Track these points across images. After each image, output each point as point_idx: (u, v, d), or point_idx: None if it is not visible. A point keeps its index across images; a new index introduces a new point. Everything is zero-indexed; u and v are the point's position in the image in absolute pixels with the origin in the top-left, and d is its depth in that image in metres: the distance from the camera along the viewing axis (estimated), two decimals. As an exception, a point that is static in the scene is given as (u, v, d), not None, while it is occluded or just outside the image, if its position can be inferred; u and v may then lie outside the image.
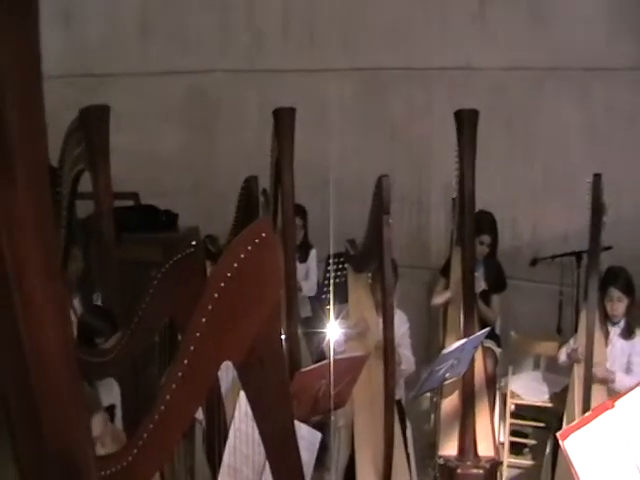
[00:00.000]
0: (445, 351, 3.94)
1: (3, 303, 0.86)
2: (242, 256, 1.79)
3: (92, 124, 4.05)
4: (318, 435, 2.74)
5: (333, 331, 3.97)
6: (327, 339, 4.10)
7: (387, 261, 3.76)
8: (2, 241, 0.82)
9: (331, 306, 4.27)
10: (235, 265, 1.79)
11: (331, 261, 4.67)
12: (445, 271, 5.36)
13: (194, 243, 2.68)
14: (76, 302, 4.44)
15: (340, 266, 4.71)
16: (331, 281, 4.60)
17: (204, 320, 1.80)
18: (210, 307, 1.79)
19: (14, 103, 0.82)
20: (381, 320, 3.98)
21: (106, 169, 4.11)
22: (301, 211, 5.29)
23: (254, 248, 1.80)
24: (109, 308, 4.08)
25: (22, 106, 0.83)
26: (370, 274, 4.53)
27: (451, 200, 5.44)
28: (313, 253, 5.63)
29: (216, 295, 1.79)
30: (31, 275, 0.86)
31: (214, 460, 2.83)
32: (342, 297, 4.55)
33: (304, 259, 5.55)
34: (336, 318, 4.16)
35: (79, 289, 4.62)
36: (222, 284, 1.79)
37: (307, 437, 2.62)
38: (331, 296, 4.47)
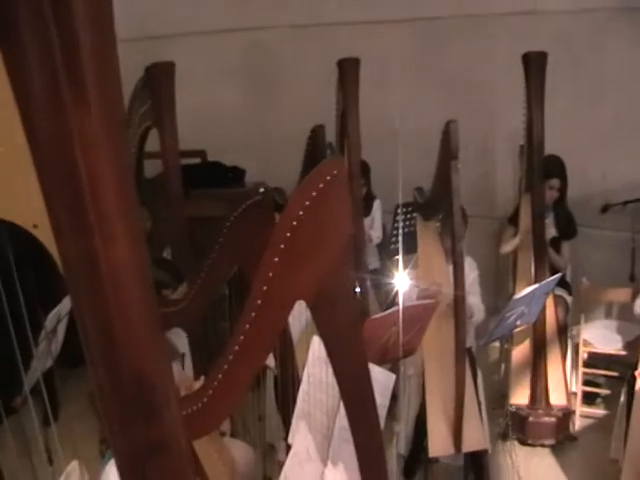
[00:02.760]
0: (516, 297, 3.89)
1: (79, 220, 0.86)
2: (313, 194, 1.76)
3: (158, 81, 4.06)
4: (392, 377, 2.73)
5: (402, 281, 3.93)
6: (396, 290, 4.07)
7: (456, 206, 3.71)
8: (77, 157, 0.82)
9: (400, 255, 4.24)
10: (307, 203, 1.76)
11: (399, 210, 4.63)
12: (514, 219, 5.29)
13: (262, 190, 2.67)
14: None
15: (408, 216, 4.67)
16: (400, 231, 4.56)
17: (276, 260, 1.77)
18: (282, 246, 1.77)
19: (86, 21, 0.81)
20: (451, 267, 3.95)
21: (173, 125, 4.13)
22: (364, 167, 5.25)
23: (325, 186, 1.77)
24: (174, 260, 4.11)
25: (93, 23, 0.82)
26: (439, 223, 4.49)
27: (518, 147, 5.35)
28: (377, 204, 5.60)
29: (288, 234, 1.76)
30: (106, 192, 0.86)
31: (287, 406, 2.84)
32: (410, 247, 4.52)
33: (367, 213, 5.53)
34: (405, 268, 4.13)
35: (148, 247, 4.65)
36: (294, 223, 1.76)
37: (380, 379, 2.61)
38: (400, 246, 4.44)
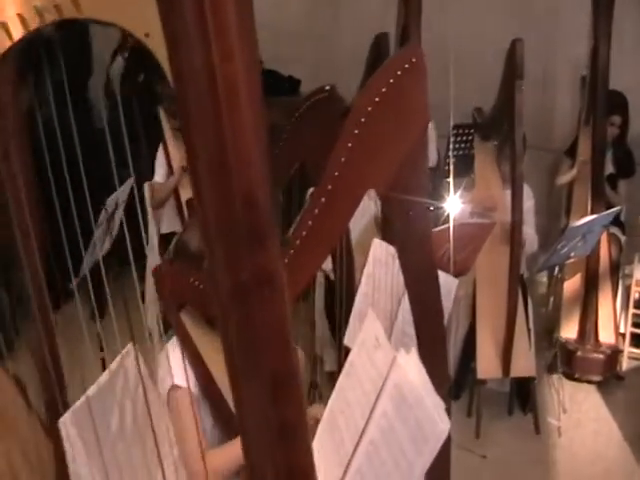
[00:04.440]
0: (573, 225, 3.84)
1: (196, 31, 0.83)
2: (391, 81, 1.71)
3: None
4: (455, 281, 2.70)
5: (456, 201, 3.87)
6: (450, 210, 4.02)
7: (518, 126, 3.64)
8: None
9: (451, 178, 4.18)
10: (383, 90, 1.71)
11: (455, 132, 4.54)
12: (571, 151, 5.18)
13: (328, 88, 2.60)
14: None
15: (464, 138, 4.58)
16: (455, 152, 4.48)
17: (350, 145, 1.73)
18: (356, 132, 1.73)
19: None
20: (508, 192, 3.90)
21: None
22: None
23: (403, 73, 1.72)
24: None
25: None
26: (496, 146, 4.41)
27: (580, 78, 5.21)
28: (431, 125, 5.48)
29: (363, 120, 1.71)
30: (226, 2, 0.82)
31: (343, 309, 2.82)
32: (466, 169, 4.44)
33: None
34: (459, 190, 4.08)
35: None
36: (369, 108, 1.72)
37: (443, 283, 2.58)
38: (451, 167, 4.38)
